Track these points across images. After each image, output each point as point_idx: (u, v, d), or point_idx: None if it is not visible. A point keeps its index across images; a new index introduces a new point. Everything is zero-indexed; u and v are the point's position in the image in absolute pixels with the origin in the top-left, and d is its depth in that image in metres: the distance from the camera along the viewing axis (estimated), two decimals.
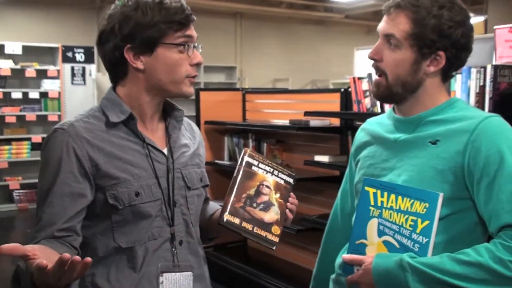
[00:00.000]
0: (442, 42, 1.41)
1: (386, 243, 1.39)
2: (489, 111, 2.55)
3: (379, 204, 1.41)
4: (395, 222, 1.37)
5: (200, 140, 1.65)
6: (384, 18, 1.47)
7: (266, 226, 1.43)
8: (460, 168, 1.36)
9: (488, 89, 2.56)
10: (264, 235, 1.43)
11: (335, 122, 3.73)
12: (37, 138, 7.73)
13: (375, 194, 1.43)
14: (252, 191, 1.44)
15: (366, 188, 1.46)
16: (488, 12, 9.50)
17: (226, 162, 4.52)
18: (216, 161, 4.51)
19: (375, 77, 1.52)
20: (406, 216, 1.35)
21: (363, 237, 1.44)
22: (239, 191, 1.43)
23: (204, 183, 1.58)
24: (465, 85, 2.65)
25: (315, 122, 3.66)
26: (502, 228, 1.30)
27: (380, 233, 1.41)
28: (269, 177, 1.48)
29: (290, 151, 4.27)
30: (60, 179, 1.35)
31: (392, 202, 1.38)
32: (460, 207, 1.38)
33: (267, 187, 1.47)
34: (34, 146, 7.74)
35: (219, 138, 4.63)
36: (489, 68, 2.57)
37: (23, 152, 7.75)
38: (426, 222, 1.32)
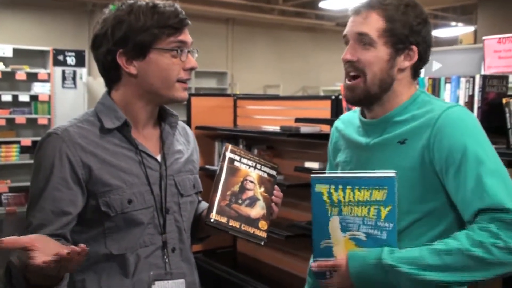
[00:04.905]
0: (414, 37, 1.45)
1: (353, 238, 1.35)
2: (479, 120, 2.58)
3: (335, 201, 1.36)
4: (357, 215, 1.33)
5: (194, 145, 1.65)
6: (353, 19, 1.48)
7: (253, 222, 1.43)
8: (430, 162, 1.38)
9: (476, 98, 2.60)
10: (252, 232, 1.43)
11: (326, 129, 3.75)
12: (26, 141, 7.67)
13: (329, 192, 1.38)
14: (236, 188, 1.44)
15: (317, 187, 1.40)
16: (477, 22, 9.59)
17: (216, 167, 4.51)
18: (207, 166, 4.52)
19: (346, 82, 1.50)
20: (368, 206, 1.32)
21: (326, 238, 1.40)
22: (223, 189, 1.43)
23: (197, 190, 1.58)
24: (454, 94, 2.68)
25: (305, 128, 3.68)
26: (476, 214, 1.29)
27: (344, 230, 1.36)
28: (252, 172, 1.48)
29: (281, 157, 4.28)
30: (51, 185, 1.34)
31: (349, 196, 1.34)
32: (438, 204, 1.39)
33: (251, 182, 1.47)
34: (23, 149, 7.68)
35: (209, 144, 4.63)
36: (477, 78, 2.61)
37: (12, 155, 7.69)
38: (389, 207, 1.30)
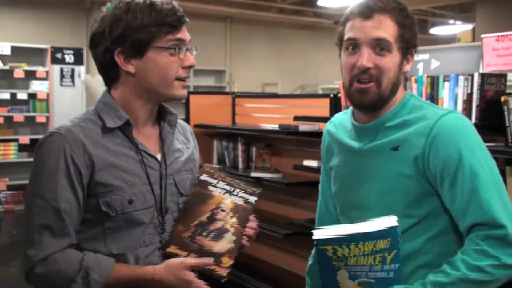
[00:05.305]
0: (415, 40, 1.45)
1: (361, 283, 1.37)
2: (476, 118, 2.58)
3: (341, 257, 1.36)
4: (364, 264, 1.35)
5: (194, 144, 1.64)
6: (365, 23, 1.40)
7: (215, 257, 1.38)
8: (424, 171, 1.38)
9: (475, 96, 2.59)
10: (211, 269, 1.38)
11: (324, 127, 3.75)
12: (24, 139, 7.67)
13: (333, 249, 1.37)
14: (205, 217, 1.39)
15: (322, 247, 1.38)
16: (476, 20, 9.59)
17: (215, 165, 4.53)
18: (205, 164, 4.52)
19: (356, 85, 1.42)
20: (373, 255, 1.33)
21: (336, 287, 1.41)
22: (190, 218, 1.39)
23: None
24: (452, 92, 2.68)
25: (304, 127, 3.68)
26: (470, 228, 1.32)
27: (353, 278, 1.38)
28: (227, 198, 1.42)
29: (279, 155, 4.28)
30: (61, 186, 1.34)
31: (354, 251, 1.34)
32: (435, 206, 1.40)
33: (223, 210, 1.41)
34: (21, 148, 7.68)
35: (208, 142, 4.63)
36: (476, 76, 2.61)
37: (10, 153, 7.68)
38: (394, 252, 1.32)
